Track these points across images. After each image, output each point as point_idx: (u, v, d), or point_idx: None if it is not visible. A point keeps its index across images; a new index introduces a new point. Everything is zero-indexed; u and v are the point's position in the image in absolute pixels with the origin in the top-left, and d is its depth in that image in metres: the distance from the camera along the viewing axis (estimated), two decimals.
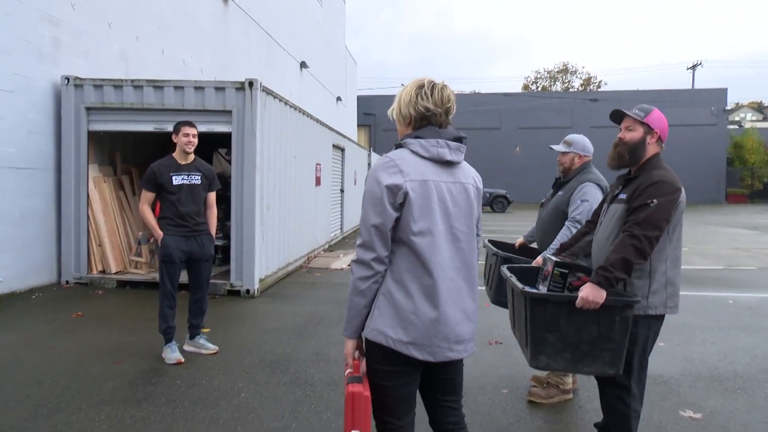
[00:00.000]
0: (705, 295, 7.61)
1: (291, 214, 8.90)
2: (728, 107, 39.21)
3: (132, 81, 7.32)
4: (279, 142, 8.10)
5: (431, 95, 2.05)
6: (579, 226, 3.41)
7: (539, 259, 3.54)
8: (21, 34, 6.95)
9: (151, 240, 4.65)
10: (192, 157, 4.69)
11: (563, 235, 3.54)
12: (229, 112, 7.09)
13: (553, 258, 2.83)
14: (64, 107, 7.42)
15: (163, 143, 8.14)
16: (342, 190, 14.35)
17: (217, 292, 7.04)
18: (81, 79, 7.39)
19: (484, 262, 4.02)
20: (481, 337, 5.05)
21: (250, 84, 7.03)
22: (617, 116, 2.84)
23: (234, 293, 7.12)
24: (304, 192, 9.83)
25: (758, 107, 74.02)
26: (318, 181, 10.97)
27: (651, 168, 2.68)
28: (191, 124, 4.64)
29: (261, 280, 7.31)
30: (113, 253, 7.68)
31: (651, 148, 2.73)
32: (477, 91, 44.33)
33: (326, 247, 12.06)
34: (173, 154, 4.67)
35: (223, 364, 4.48)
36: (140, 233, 7.81)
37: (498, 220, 21.51)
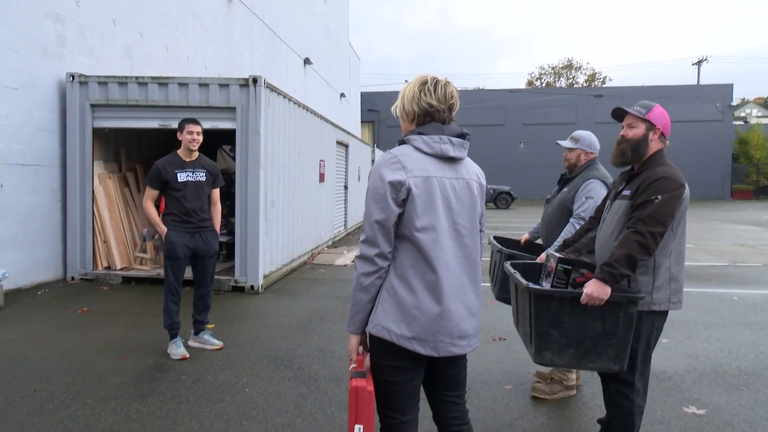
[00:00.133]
0: (710, 291, 7.60)
1: (295, 210, 8.92)
2: (734, 103, 38.98)
3: (136, 78, 7.34)
4: (283, 139, 8.11)
5: (434, 92, 2.05)
6: (583, 223, 3.41)
7: (543, 255, 3.54)
8: (26, 32, 6.98)
9: (156, 236, 4.67)
10: (196, 154, 4.71)
11: (567, 232, 3.54)
12: (233, 109, 7.11)
13: (557, 254, 2.84)
14: (69, 104, 7.44)
15: (167, 140, 8.20)
16: (346, 187, 14.36)
17: (222, 288, 7.06)
18: (86, 76, 7.42)
19: (489, 259, 4.03)
20: (484, 333, 5.06)
21: (254, 81, 7.03)
22: (619, 114, 2.84)
23: (238, 289, 7.14)
24: (308, 188, 9.84)
25: (764, 103, 73.56)
26: (322, 178, 10.98)
27: (654, 164, 2.67)
28: (196, 122, 4.66)
29: (265, 276, 7.33)
30: (118, 249, 7.72)
31: (654, 145, 2.73)
32: (481, 87, 44.25)
33: (330, 243, 12.08)
34: (178, 152, 4.69)
35: (228, 360, 4.51)
36: (145, 230, 7.84)
37: (502, 217, 21.50)
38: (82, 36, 8.01)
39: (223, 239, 7.48)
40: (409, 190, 1.95)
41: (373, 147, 20.19)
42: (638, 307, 2.52)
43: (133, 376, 4.11)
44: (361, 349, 2.12)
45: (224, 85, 7.15)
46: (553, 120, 36.30)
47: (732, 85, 36.54)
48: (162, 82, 7.25)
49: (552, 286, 2.73)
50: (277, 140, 7.77)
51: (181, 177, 4.56)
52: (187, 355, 4.51)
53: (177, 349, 4.53)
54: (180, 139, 4.65)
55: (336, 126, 12.63)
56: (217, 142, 9.32)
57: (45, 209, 7.34)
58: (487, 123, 36.54)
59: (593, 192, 3.53)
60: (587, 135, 3.79)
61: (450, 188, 2.03)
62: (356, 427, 1.98)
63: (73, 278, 7.48)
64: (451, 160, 2.06)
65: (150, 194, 4.64)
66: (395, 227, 1.98)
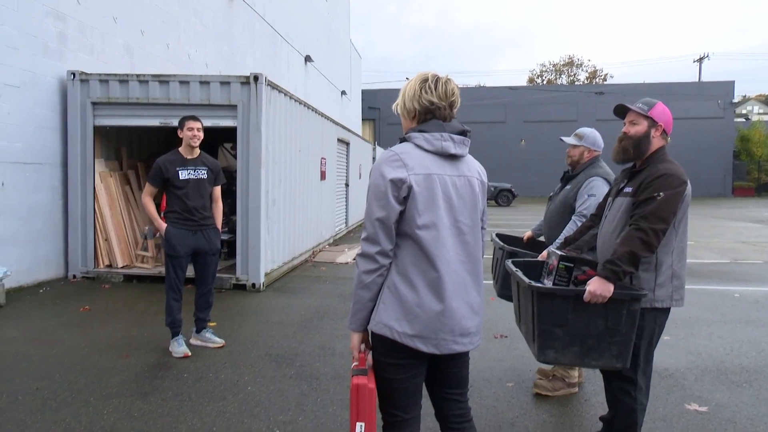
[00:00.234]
0: (711, 288, 7.59)
1: (296, 208, 8.92)
2: (735, 100, 38.92)
3: (137, 76, 7.34)
4: (284, 137, 8.11)
5: (435, 89, 2.05)
6: (585, 221, 3.41)
7: (544, 253, 3.54)
8: (27, 29, 6.98)
9: (157, 234, 4.67)
10: (197, 151, 4.71)
11: (569, 229, 3.54)
12: (235, 107, 7.10)
13: (558, 252, 2.83)
14: (70, 102, 7.44)
15: (168, 138, 8.20)
16: (347, 184, 14.36)
17: (223, 286, 7.07)
18: (87, 74, 7.42)
19: (491, 256, 4.02)
20: (486, 330, 5.06)
21: (255, 78, 7.03)
22: (621, 110, 2.83)
23: (240, 287, 7.15)
24: (309, 186, 9.84)
25: (765, 100, 73.39)
26: (323, 175, 10.98)
27: (656, 161, 2.67)
28: (196, 119, 4.65)
29: (266, 274, 7.33)
30: (120, 247, 7.73)
31: (656, 142, 2.72)
32: (482, 85, 44.22)
33: (331, 241, 12.08)
34: (179, 149, 4.68)
35: (230, 358, 4.51)
36: (146, 228, 7.85)
37: (503, 214, 21.49)
38: (83, 34, 8.01)
39: (224, 237, 7.49)
40: (410, 188, 1.95)
41: (374, 144, 20.18)
42: (641, 305, 2.52)
43: (135, 374, 4.12)
44: (362, 346, 2.12)
45: (225, 82, 7.14)
46: (554, 117, 36.25)
47: (733, 82, 36.48)
48: (163, 80, 7.25)
49: (554, 284, 2.72)
50: (278, 138, 7.77)
51: (183, 175, 4.56)
52: (189, 353, 4.52)
53: (179, 347, 4.53)
54: (180, 136, 4.65)
55: (337, 123, 12.63)
56: (219, 140, 9.31)
57: (46, 207, 7.34)
58: (488, 120, 36.51)
59: (596, 189, 3.52)
60: (591, 132, 3.78)
61: (451, 185, 2.03)
62: (358, 424, 1.98)
63: (74, 276, 7.49)
64: (453, 158, 2.06)
65: (149, 190, 4.64)
66: (397, 225, 1.98)
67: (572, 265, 2.76)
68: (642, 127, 2.71)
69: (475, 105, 35.74)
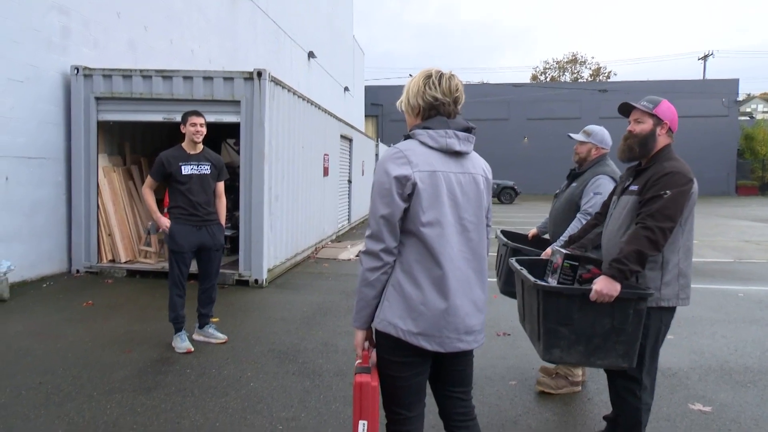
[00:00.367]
0: (715, 287, 7.57)
1: (299, 204, 8.91)
2: (739, 98, 38.77)
3: (141, 71, 7.33)
4: (287, 133, 8.10)
5: (439, 85, 2.03)
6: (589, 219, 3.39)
7: (548, 250, 3.52)
8: (30, 24, 6.97)
9: (161, 230, 4.66)
10: (201, 147, 4.70)
11: (574, 227, 3.52)
12: (238, 102, 7.09)
13: (563, 250, 2.82)
14: (73, 97, 7.44)
15: (172, 133, 8.19)
16: (349, 181, 14.35)
17: (226, 281, 7.07)
18: (90, 68, 7.41)
19: (495, 253, 4.01)
20: (489, 328, 5.05)
21: (259, 74, 7.01)
22: (625, 109, 2.81)
23: (242, 283, 7.15)
24: (312, 182, 9.83)
25: None
26: (326, 172, 10.97)
27: (662, 159, 2.65)
28: (199, 114, 4.64)
29: (269, 270, 7.33)
30: (123, 242, 7.73)
31: (661, 140, 2.70)
32: (485, 82, 44.12)
33: (333, 237, 12.08)
34: (182, 144, 4.67)
35: (233, 354, 4.51)
36: (149, 223, 7.85)
37: (506, 212, 21.46)
38: (87, 28, 8.00)
39: (227, 233, 7.49)
40: (414, 185, 1.94)
41: (377, 141, 20.16)
42: (647, 304, 2.50)
43: (138, 369, 4.12)
44: (366, 344, 2.11)
45: (229, 78, 7.13)
46: (557, 115, 36.17)
47: (738, 80, 36.36)
48: (166, 76, 7.24)
49: (558, 283, 2.71)
50: (281, 134, 7.76)
51: (186, 170, 4.55)
52: (192, 349, 4.52)
53: (182, 343, 4.53)
54: (183, 131, 4.64)
55: (340, 120, 12.61)
56: (222, 136, 9.30)
57: (50, 202, 7.35)
58: (491, 118, 36.44)
59: (601, 188, 3.50)
60: (600, 130, 3.75)
61: (456, 183, 2.01)
62: (360, 423, 1.97)
63: (78, 271, 7.50)
64: (457, 155, 2.05)
65: (150, 183, 4.64)
66: (401, 222, 1.97)
67: (577, 263, 2.74)
68: (647, 125, 2.69)
69: (478, 102, 35.67)
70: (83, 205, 7.49)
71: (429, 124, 2.03)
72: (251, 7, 14.48)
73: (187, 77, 7.20)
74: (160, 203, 4.77)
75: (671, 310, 2.68)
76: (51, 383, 3.80)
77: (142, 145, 8.82)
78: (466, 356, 2.14)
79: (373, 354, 2.12)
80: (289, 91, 8.10)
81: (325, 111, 10.85)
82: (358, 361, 2.09)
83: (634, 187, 2.68)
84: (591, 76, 55.59)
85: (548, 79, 55.85)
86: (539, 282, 2.55)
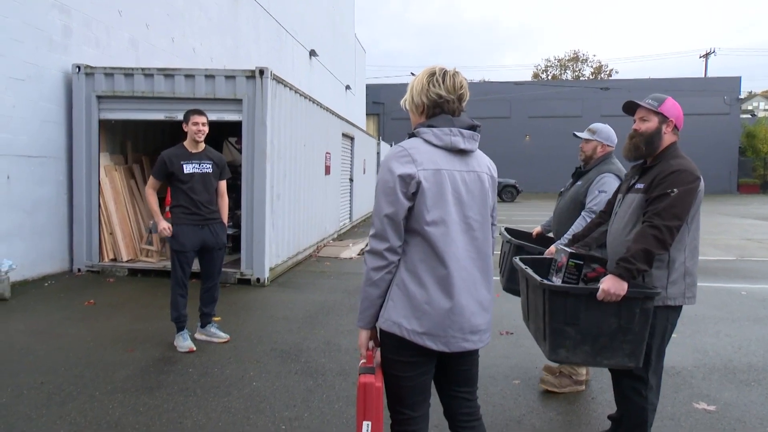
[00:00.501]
0: (718, 286, 7.54)
1: (301, 203, 8.90)
2: (741, 96, 38.68)
3: (143, 69, 7.31)
4: (289, 131, 8.08)
5: (443, 82, 2.02)
6: (594, 217, 3.37)
7: (552, 248, 3.51)
8: (32, 22, 6.95)
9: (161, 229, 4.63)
10: (202, 145, 4.68)
11: (578, 225, 3.50)
12: (240, 101, 7.07)
13: (568, 249, 2.80)
14: (75, 96, 7.43)
15: (173, 132, 8.17)
16: (351, 179, 14.33)
17: (228, 280, 7.06)
18: (92, 67, 7.39)
19: (499, 251, 4.00)
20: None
21: (261, 72, 6.99)
22: (630, 107, 2.79)
23: (244, 282, 7.14)
24: (314, 181, 9.82)
25: None
26: (327, 170, 10.95)
27: (669, 157, 2.63)
28: (201, 113, 4.62)
29: (271, 269, 7.32)
30: (124, 241, 7.72)
31: (667, 138, 2.68)
32: (486, 80, 43.97)
33: (335, 236, 12.06)
34: (184, 143, 4.66)
35: (235, 353, 4.50)
36: (151, 222, 7.84)
37: (507, 210, 21.42)
38: (88, 27, 7.98)
39: (228, 232, 7.48)
40: (419, 184, 1.92)
41: (379, 140, 20.13)
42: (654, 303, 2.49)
43: (141, 368, 4.11)
44: (371, 344, 2.09)
45: (230, 76, 7.11)
46: (558, 113, 36.10)
47: (740, 78, 36.26)
48: (168, 74, 7.22)
49: (563, 282, 2.69)
50: (283, 132, 7.74)
51: (188, 168, 4.53)
52: (194, 348, 4.50)
53: (184, 342, 4.52)
54: (185, 130, 4.62)
55: (342, 118, 12.59)
56: (223, 135, 9.28)
57: (51, 201, 7.34)
58: (493, 116, 36.35)
59: (607, 186, 3.48)
60: (605, 128, 3.73)
61: (461, 181, 2.00)
62: (364, 423, 1.96)
63: (79, 270, 7.49)
64: (462, 153, 2.03)
65: (152, 183, 4.63)
66: (405, 221, 1.96)
67: (582, 262, 2.73)
68: (653, 123, 2.67)
69: (480, 100, 35.60)
70: (85, 203, 7.47)
71: (433, 123, 2.01)
72: (253, 5, 14.45)
73: (189, 75, 7.18)
74: (162, 201, 4.76)
75: (677, 309, 2.66)
76: (53, 383, 3.79)
77: (143, 144, 8.81)
78: (471, 356, 2.12)
79: (377, 354, 2.10)
80: (291, 89, 8.08)
81: (327, 109, 10.83)
82: (362, 361, 2.07)
83: (640, 185, 2.66)
84: (592, 74, 55.46)
85: (549, 78, 55.73)
86: (545, 281, 2.53)
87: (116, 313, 5.58)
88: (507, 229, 4.11)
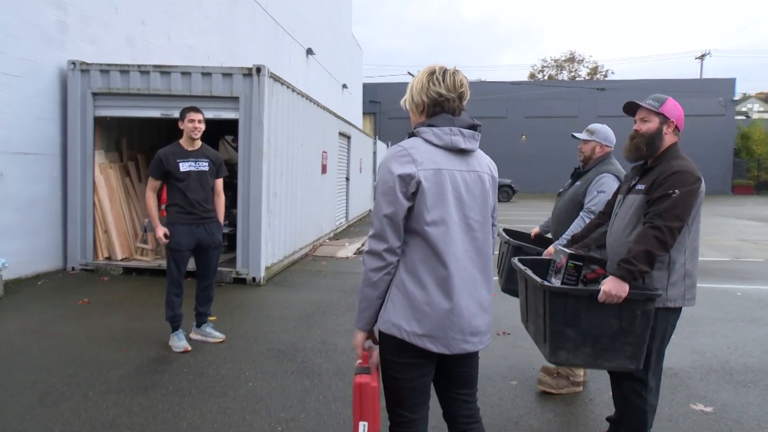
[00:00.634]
0: (713, 287, 7.55)
1: (297, 201, 8.86)
2: (736, 98, 38.82)
3: (139, 66, 7.26)
4: (286, 129, 8.04)
5: (443, 80, 2.00)
6: (593, 217, 3.35)
7: (550, 249, 3.49)
8: (28, 18, 6.89)
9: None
10: (199, 143, 4.65)
11: (577, 226, 3.49)
12: (237, 99, 7.03)
13: (566, 250, 2.78)
14: (70, 92, 7.36)
15: (169, 129, 8.11)
16: (347, 178, 14.30)
17: (223, 279, 7.02)
18: (87, 64, 7.34)
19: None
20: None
21: (258, 70, 6.95)
22: (631, 108, 2.77)
23: (240, 281, 7.10)
24: (311, 179, 9.78)
25: (766, 98, 73.24)
26: (324, 169, 10.91)
27: (670, 158, 2.61)
28: (197, 110, 4.59)
29: (267, 268, 7.29)
30: (119, 239, 7.67)
31: (668, 138, 2.67)
32: (482, 80, 43.96)
33: (331, 235, 12.03)
34: (180, 141, 4.62)
35: (230, 353, 4.46)
36: (146, 220, 7.79)
37: (503, 210, 21.42)
38: (85, 23, 7.92)
39: (225, 230, 7.44)
40: (419, 184, 1.90)
41: (375, 139, 20.10)
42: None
43: (135, 368, 4.07)
44: (367, 344, 2.07)
45: (227, 74, 7.07)
46: (555, 113, 36.13)
47: (734, 79, 36.39)
48: (164, 71, 7.18)
49: (562, 283, 2.67)
50: (280, 131, 7.70)
51: (184, 167, 4.50)
52: (189, 348, 4.47)
53: (179, 342, 4.48)
54: (181, 128, 4.59)
55: (339, 117, 12.55)
56: (220, 133, 9.24)
57: (45, 198, 7.28)
58: (489, 116, 36.30)
59: (605, 186, 3.47)
60: (603, 128, 3.72)
61: (461, 181, 1.98)
62: (361, 424, 1.95)
63: (73, 268, 7.44)
64: (462, 152, 2.01)
65: (152, 185, 4.58)
66: (405, 221, 1.93)
67: (581, 263, 2.71)
68: (654, 124, 2.66)
69: (476, 100, 35.54)
70: (79, 201, 7.42)
71: (433, 122, 1.99)
72: (250, 3, 14.39)
73: (186, 73, 7.14)
74: (158, 199, 4.72)
75: (677, 311, 2.65)
76: (46, 382, 3.75)
77: (139, 142, 8.75)
78: (471, 357, 2.11)
79: (375, 354, 2.08)
80: (288, 87, 8.04)
81: (324, 108, 10.79)
82: (358, 362, 2.05)
83: (640, 186, 2.64)
84: (588, 74, 55.54)
85: (546, 78, 55.78)
86: (546, 283, 2.51)
87: (111, 312, 5.53)
88: (505, 230, 4.10)
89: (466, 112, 2.08)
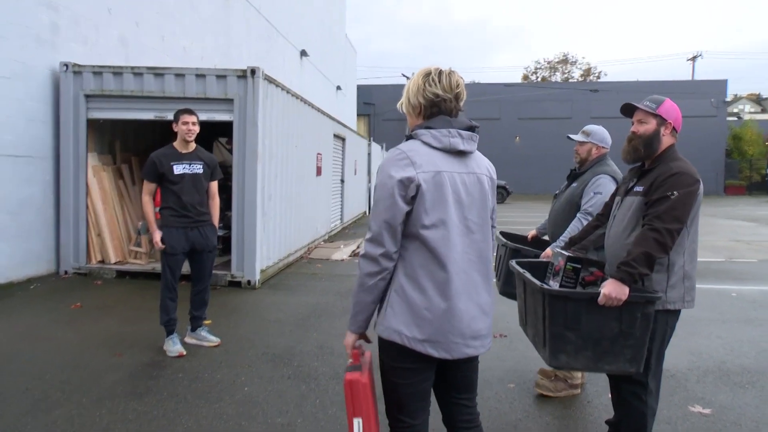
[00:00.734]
0: (708, 287, 7.56)
1: (292, 204, 8.82)
2: (727, 99, 39.05)
3: (132, 68, 7.21)
4: (281, 132, 8.01)
5: (439, 81, 1.99)
6: (590, 219, 3.34)
7: (548, 251, 3.48)
8: (19, 19, 6.83)
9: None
10: (193, 145, 4.61)
11: (574, 227, 3.47)
12: (231, 101, 6.99)
13: (565, 252, 2.76)
14: (62, 94, 7.30)
15: (163, 132, 8.06)
16: (342, 180, 14.27)
17: (218, 283, 6.97)
18: (80, 65, 7.28)
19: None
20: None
21: (252, 72, 6.92)
22: (628, 109, 2.76)
23: (235, 284, 7.05)
24: (305, 182, 9.75)
25: (757, 99, 73.78)
26: (319, 171, 10.88)
27: (668, 159, 2.60)
28: (191, 112, 4.55)
29: (262, 271, 7.24)
30: (112, 242, 7.61)
31: (666, 140, 2.66)
32: (476, 81, 44.06)
33: (326, 237, 12.00)
34: (174, 143, 4.58)
35: (226, 357, 4.42)
36: (140, 223, 7.73)
37: (497, 211, 21.45)
38: (77, 24, 7.86)
39: (219, 233, 7.39)
40: (418, 187, 1.89)
41: (369, 140, 20.08)
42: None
43: (129, 373, 4.03)
44: (358, 343, 2.06)
45: (222, 76, 7.03)
46: (548, 114, 36.23)
47: (726, 81, 36.60)
48: (158, 73, 7.13)
49: (561, 285, 2.66)
50: (274, 133, 7.67)
51: (178, 169, 4.46)
52: (184, 352, 4.42)
53: (174, 346, 4.44)
54: (175, 130, 4.54)
55: (333, 119, 12.53)
56: (214, 135, 9.19)
57: (38, 201, 7.21)
58: (483, 117, 36.35)
59: (602, 187, 3.46)
60: (599, 129, 3.72)
61: (460, 183, 1.97)
62: (355, 420, 1.95)
63: (66, 272, 7.36)
64: (461, 154, 2.00)
65: (148, 188, 4.54)
66: (403, 226, 1.91)
67: (580, 266, 2.69)
68: (651, 125, 2.65)
69: (470, 101, 35.50)
70: (72, 204, 7.35)
71: (431, 124, 1.98)
72: (244, 4, 14.35)
73: (179, 75, 7.10)
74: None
75: (676, 313, 2.64)
76: (38, 389, 3.70)
77: (133, 144, 8.68)
78: (471, 362, 2.09)
79: (367, 353, 2.09)
80: (282, 89, 8.01)
81: (319, 110, 10.76)
82: (349, 361, 2.04)
83: (638, 188, 2.63)
84: (582, 76, 55.73)
85: (539, 79, 55.94)
86: (545, 286, 2.49)
87: (104, 317, 5.48)
88: (502, 233, 4.08)
89: (464, 113, 2.06)
